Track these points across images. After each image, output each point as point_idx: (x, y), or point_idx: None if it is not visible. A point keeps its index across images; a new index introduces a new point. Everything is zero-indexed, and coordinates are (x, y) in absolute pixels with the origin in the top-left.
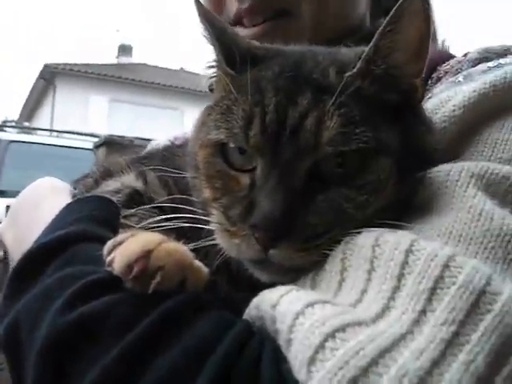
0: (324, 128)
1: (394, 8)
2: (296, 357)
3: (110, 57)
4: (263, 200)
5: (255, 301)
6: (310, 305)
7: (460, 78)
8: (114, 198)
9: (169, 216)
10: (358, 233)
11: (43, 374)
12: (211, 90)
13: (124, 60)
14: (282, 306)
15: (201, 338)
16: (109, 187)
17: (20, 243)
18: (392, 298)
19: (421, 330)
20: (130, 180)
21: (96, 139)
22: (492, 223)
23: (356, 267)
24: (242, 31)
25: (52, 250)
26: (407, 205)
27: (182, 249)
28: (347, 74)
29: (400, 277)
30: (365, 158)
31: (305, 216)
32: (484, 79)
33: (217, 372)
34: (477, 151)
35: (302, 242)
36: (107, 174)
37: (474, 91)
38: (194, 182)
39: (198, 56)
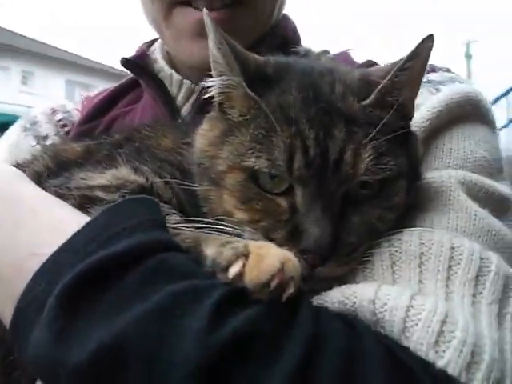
0: (360, 160)
1: (415, 47)
2: (421, 342)
3: None
4: (311, 227)
5: (336, 296)
6: (412, 298)
7: None
8: (118, 194)
9: (203, 225)
10: (389, 235)
11: None
12: (209, 101)
13: None
14: (387, 301)
15: (348, 341)
16: (96, 181)
17: (5, 247)
18: (447, 285)
19: (480, 309)
20: (128, 174)
21: None
22: (483, 221)
23: (406, 262)
24: (189, 12)
25: (126, 261)
26: (408, 207)
27: (294, 257)
28: (365, 103)
29: (449, 269)
30: (385, 181)
31: (346, 237)
32: (438, 97)
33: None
34: (436, 157)
35: (344, 258)
36: (63, 163)
37: (434, 108)
38: (208, 193)
39: None
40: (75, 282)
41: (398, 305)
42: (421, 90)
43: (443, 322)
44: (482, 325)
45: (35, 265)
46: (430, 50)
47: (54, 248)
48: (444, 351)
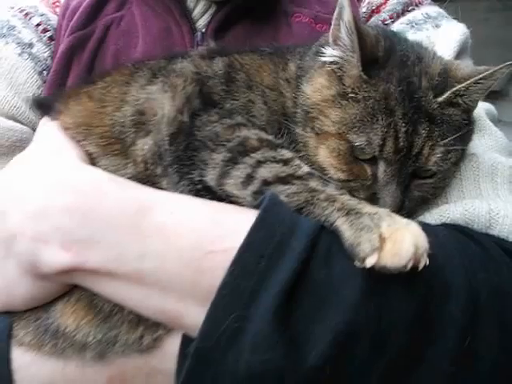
0: (433, 154)
1: (497, 69)
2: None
3: None
4: (387, 196)
5: (457, 211)
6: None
7: (412, 23)
8: (292, 170)
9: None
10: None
11: None
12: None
13: None
14: (499, 211)
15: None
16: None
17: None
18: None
19: None
20: (267, 136)
21: None
22: (504, 139)
23: (486, 179)
24: None
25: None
26: None
27: (421, 231)
28: (440, 100)
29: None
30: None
31: (407, 204)
32: (453, 37)
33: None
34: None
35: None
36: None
37: (454, 47)
38: (308, 139)
39: None
40: (290, 279)
41: (508, 213)
42: (426, 26)
43: None
44: None
45: (218, 262)
46: (504, 74)
47: (231, 241)
48: None
